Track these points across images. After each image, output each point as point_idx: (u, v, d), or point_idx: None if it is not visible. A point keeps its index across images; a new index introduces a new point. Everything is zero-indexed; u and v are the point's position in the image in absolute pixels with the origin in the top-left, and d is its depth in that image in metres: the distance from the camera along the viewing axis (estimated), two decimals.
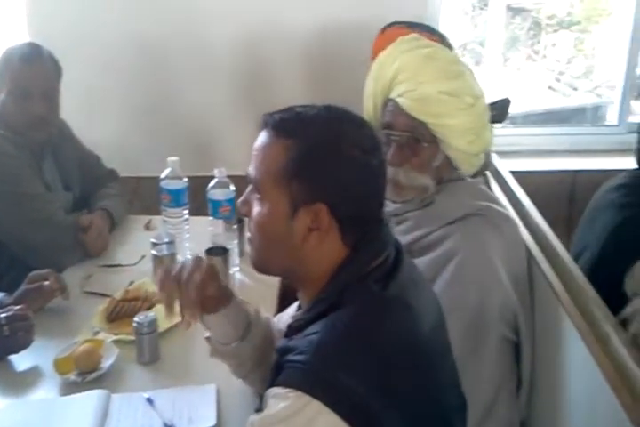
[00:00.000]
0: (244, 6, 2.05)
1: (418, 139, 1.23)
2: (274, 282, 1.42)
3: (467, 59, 3.49)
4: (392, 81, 1.27)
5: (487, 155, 1.41)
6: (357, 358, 0.76)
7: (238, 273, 1.52)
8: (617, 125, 2.50)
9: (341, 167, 0.83)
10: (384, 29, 1.70)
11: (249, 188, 0.89)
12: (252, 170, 0.86)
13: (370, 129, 0.88)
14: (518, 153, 2.40)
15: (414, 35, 1.42)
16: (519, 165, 2.28)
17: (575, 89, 3.98)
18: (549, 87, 3.90)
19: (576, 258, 1.49)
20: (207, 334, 1.01)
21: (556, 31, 4.07)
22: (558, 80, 4.02)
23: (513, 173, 2.26)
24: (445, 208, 1.26)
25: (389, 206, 1.31)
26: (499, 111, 1.46)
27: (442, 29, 2.15)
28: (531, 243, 1.33)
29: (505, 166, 1.69)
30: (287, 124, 0.85)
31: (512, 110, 2.87)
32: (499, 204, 1.32)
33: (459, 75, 1.26)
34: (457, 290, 1.17)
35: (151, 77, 2.14)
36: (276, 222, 0.84)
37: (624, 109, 2.46)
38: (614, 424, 0.92)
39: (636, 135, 1.53)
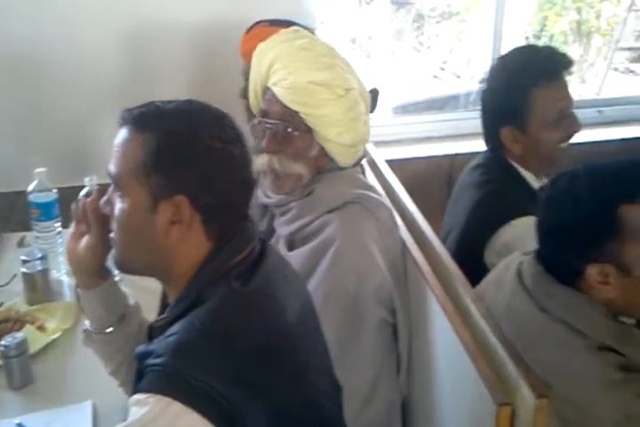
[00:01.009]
0: (119, 8, 1.99)
1: (291, 128, 1.25)
2: (156, 288, 1.40)
3: (357, 52, 3.58)
4: (269, 70, 1.28)
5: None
6: (215, 356, 0.76)
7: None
8: None
9: (200, 158, 0.83)
10: (249, 29, 1.71)
11: (111, 187, 0.88)
12: (111, 167, 0.86)
13: (230, 121, 0.89)
14: (400, 141, 2.50)
15: (295, 27, 1.43)
16: (402, 152, 2.39)
17: (458, 77, 4.16)
18: (435, 76, 4.07)
19: (446, 238, 1.58)
20: (85, 326, 1.01)
21: (438, 22, 4.25)
22: (443, 69, 4.20)
23: (395, 160, 2.35)
24: (324, 197, 1.29)
25: (273, 198, 1.34)
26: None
27: (320, 26, 2.19)
28: (403, 228, 1.39)
29: (381, 155, 1.75)
30: (145, 119, 0.84)
31: (401, 100, 2.98)
32: (375, 191, 1.37)
33: (330, 66, 1.28)
34: (335, 277, 1.21)
35: (20, 86, 2.03)
36: (137, 217, 0.84)
37: None
38: (474, 393, 0.99)
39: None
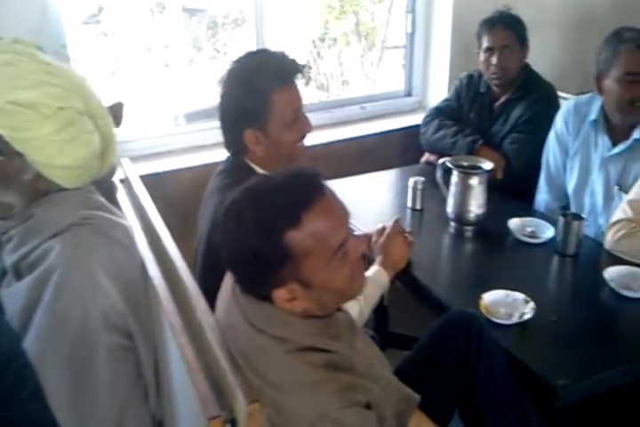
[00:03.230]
0: None
1: None
2: None
3: (154, 62, 3.44)
4: None
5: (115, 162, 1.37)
6: None
7: None
8: None
9: None
10: None
11: None
12: None
13: None
14: (187, 150, 2.44)
15: (9, 38, 1.29)
16: (171, 164, 2.32)
17: None
18: None
19: (198, 245, 1.56)
20: None
21: (233, 28, 4.23)
22: None
23: (159, 174, 2.28)
24: (47, 221, 1.18)
25: None
26: (113, 116, 1.43)
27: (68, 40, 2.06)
28: (146, 245, 1.33)
29: (135, 171, 1.68)
30: None
31: (189, 108, 2.88)
32: (109, 210, 1.29)
33: (38, 84, 1.15)
34: (59, 308, 1.12)
35: None
36: None
37: None
38: (194, 409, 0.95)
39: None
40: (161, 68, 3.47)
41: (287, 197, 0.99)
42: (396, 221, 1.71)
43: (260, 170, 1.55)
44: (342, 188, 2.21)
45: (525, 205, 2.07)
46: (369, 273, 1.57)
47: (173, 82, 3.25)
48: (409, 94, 2.91)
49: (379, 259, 1.64)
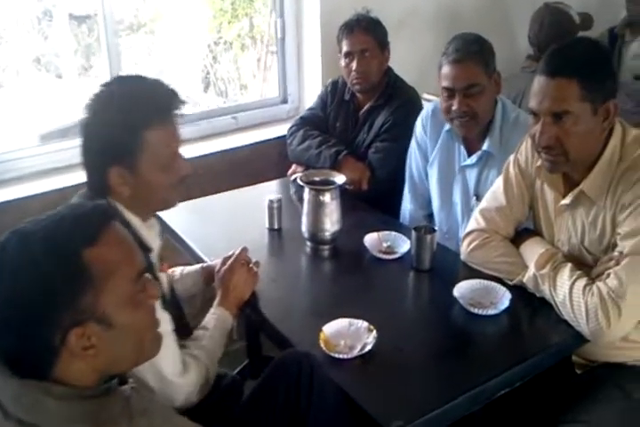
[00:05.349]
0: None
1: None
2: None
3: (43, 73, 3.16)
4: None
5: None
6: None
7: None
8: None
9: None
10: None
11: None
12: None
13: None
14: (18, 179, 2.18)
15: None
16: (15, 192, 2.08)
17: None
18: None
19: None
20: None
21: (128, 35, 3.98)
22: None
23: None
24: None
25: None
26: None
27: None
28: None
29: None
30: None
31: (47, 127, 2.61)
32: None
33: None
34: None
35: None
36: None
37: None
38: None
39: None
40: (52, 80, 3.23)
41: (78, 222, 0.87)
42: (241, 252, 1.55)
43: (126, 212, 1.31)
44: (203, 207, 2.05)
45: (387, 218, 1.93)
46: (211, 322, 1.42)
47: (64, 94, 3.01)
48: (285, 101, 2.75)
49: (219, 294, 1.48)
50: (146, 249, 1.27)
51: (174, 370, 1.25)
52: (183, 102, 1.30)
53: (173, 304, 1.43)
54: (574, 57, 1.35)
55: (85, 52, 3.57)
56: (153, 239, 1.35)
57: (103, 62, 2.68)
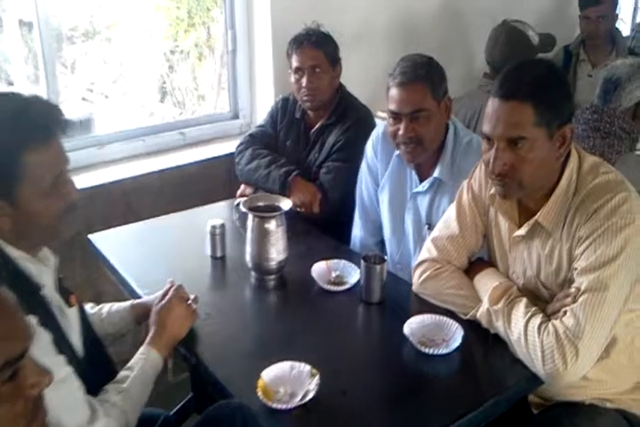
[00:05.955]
0: None
1: None
2: None
3: None
4: None
5: None
6: None
7: None
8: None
9: None
10: None
11: None
12: None
13: None
14: None
15: None
16: None
17: (107, 97, 3.80)
18: (83, 98, 3.65)
19: None
20: None
21: (83, 42, 3.81)
22: (91, 90, 3.79)
23: None
24: None
25: None
26: None
27: None
28: None
29: None
30: None
31: None
32: None
33: None
34: None
35: None
36: None
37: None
38: None
39: None
40: (3, 87, 3.06)
41: None
42: (177, 289, 1.42)
43: (8, 247, 1.14)
44: (141, 231, 1.86)
45: (337, 244, 1.82)
46: (139, 363, 1.28)
47: None
48: (236, 117, 2.63)
49: (151, 332, 1.34)
50: (35, 287, 1.12)
51: (78, 420, 1.10)
52: (65, 118, 1.14)
53: (92, 342, 1.28)
54: (528, 80, 1.27)
55: (35, 60, 3.40)
56: (45, 274, 1.19)
57: (40, 71, 2.53)
